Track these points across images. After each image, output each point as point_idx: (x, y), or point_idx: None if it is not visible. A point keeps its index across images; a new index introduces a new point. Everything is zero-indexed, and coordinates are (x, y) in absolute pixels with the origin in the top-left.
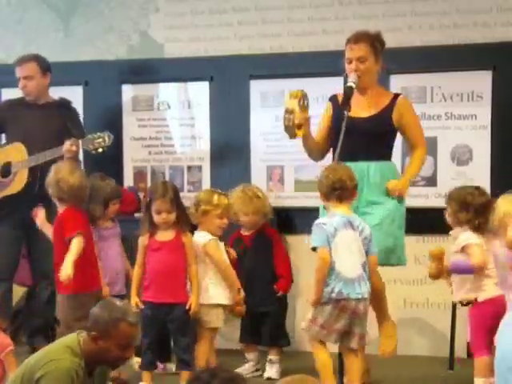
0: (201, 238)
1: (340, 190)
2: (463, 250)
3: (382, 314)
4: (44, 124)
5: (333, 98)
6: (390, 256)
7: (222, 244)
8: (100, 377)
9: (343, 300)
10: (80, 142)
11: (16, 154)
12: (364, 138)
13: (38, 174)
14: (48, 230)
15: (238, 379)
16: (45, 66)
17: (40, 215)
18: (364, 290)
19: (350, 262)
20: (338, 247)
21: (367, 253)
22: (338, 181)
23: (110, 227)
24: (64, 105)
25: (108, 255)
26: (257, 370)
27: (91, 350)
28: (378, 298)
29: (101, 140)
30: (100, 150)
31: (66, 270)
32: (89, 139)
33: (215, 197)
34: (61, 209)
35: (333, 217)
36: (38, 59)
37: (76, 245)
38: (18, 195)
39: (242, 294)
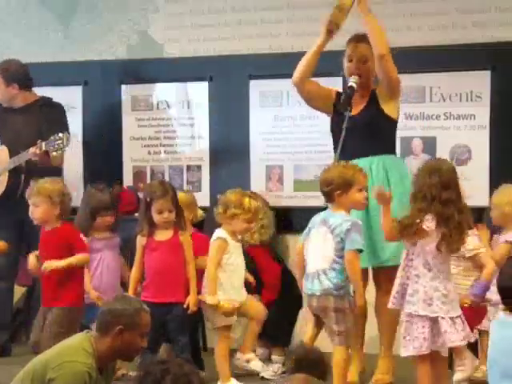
0: (214, 235)
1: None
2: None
3: (381, 342)
4: (24, 127)
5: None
6: None
7: (238, 245)
8: (107, 373)
9: (308, 296)
10: (43, 144)
11: (2, 157)
12: (360, 133)
13: (21, 176)
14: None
15: (191, 375)
16: (8, 78)
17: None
18: (316, 287)
19: (312, 257)
20: (309, 244)
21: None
22: (319, 184)
23: (102, 238)
24: (45, 104)
25: (97, 266)
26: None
27: (112, 346)
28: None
29: (60, 142)
30: (59, 151)
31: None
32: (51, 141)
33: (246, 200)
34: None
35: (319, 215)
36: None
37: None
38: (1, 197)
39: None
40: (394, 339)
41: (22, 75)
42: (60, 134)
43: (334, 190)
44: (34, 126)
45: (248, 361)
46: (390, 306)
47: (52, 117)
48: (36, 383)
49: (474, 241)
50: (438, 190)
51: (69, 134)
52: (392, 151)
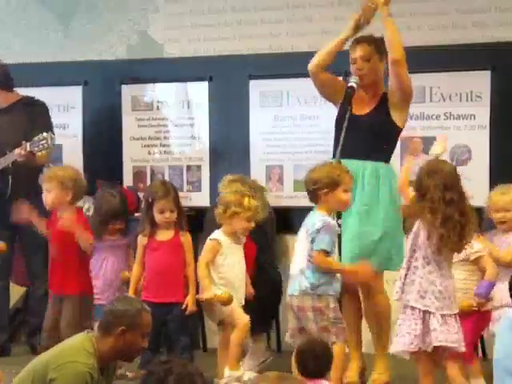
0: (210, 236)
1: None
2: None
3: (375, 343)
4: (9, 127)
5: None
6: (390, 263)
7: (237, 247)
8: (108, 373)
9: (289, 297)
10: (28, 144)
11: None
12: (363, 134)
13: (8, 177)
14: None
15: (195, 375)
16: None
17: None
18: (296, 287)
19: (294, 259)
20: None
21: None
22: (304, 184)
23: (108, 240)
24: (29, 103)
25: (100, 266)
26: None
27: (114, 347)
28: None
29: (44, 142)
30: (44, 151)
31: None
32: (35, 141)
33: (246, 199)
34: None
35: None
36: None
37: None
38: None
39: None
40: (389, 338)
41: (2, 76)
42: (44, 134)
43: (321, 188)
44: (19, 126)
45: (239, 380)
46: (394, 298)
47: (35, 116)
48: (37, 383)
49: (476, 244)
50: (441, 190)
51: (53, 133)
52: (387, 160)
